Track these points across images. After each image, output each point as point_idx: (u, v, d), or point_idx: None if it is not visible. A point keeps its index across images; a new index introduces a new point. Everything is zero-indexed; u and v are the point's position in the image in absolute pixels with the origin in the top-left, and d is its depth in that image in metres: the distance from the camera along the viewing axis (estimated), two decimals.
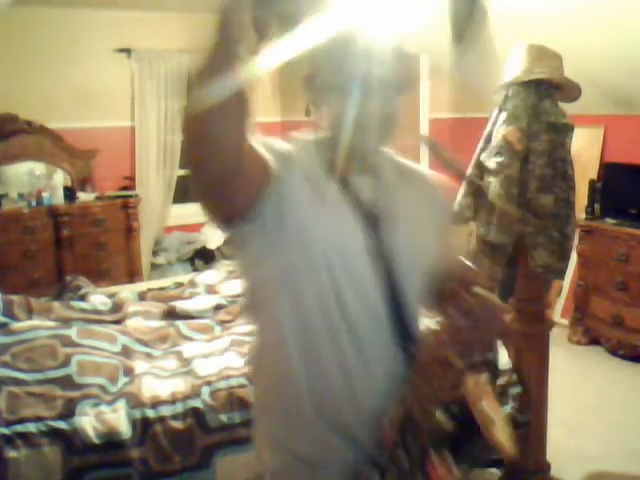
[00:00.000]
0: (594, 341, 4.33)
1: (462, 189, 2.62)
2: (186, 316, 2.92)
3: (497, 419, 1.20)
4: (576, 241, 4.02)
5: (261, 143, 1.09)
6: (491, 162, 2.45)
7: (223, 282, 3.32)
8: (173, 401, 2.14)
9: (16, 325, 2.58)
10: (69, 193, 4.58)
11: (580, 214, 4.20)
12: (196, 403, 2.14)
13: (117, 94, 4.88)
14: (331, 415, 1.15)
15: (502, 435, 1.20)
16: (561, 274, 2.50)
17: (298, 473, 1.18)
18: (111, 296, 3.13)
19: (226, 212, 1.08)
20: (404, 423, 1.11)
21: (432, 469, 1.10)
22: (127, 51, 4.86)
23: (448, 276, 1.27)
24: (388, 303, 1.16)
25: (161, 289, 3.42)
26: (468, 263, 1.34)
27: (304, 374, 1.13)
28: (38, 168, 4.61)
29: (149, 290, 3.37)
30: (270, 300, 1.15)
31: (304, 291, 1.12)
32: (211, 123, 0.94)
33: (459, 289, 1.19)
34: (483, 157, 2.51)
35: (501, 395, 2.55)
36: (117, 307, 2.97)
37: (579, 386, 3.71)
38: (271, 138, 1.17)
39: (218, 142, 0.95)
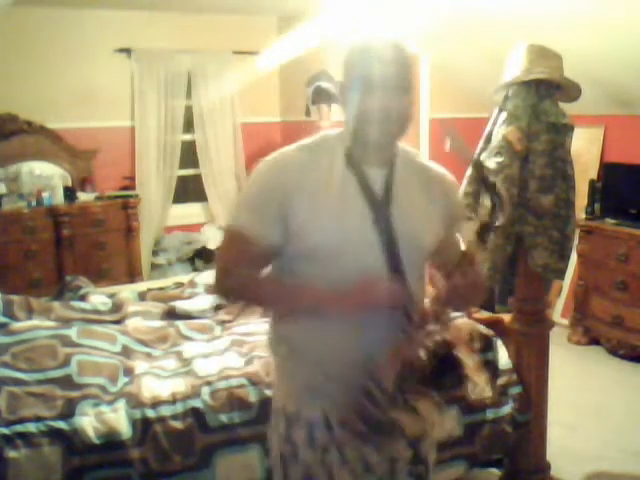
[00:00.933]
0: (594, 341, 4.33)
1: (463, 188, 2.62)
2: (186, 316, 2.92)
3: (471, 363, 1.52)
4: (576, 241, 4.02)
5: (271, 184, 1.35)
6: (491, 162, 2.45)
7: None
8: (173, 401, 2.13)
9: (16, 325, 2.58)
10: (69, 193, 4.58)
11: (580, 214, 4.20)
12: (196, 403, 2.14)
13: (117, 94, 4.88)
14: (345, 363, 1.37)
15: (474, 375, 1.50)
16: (561, 274, 2.50)
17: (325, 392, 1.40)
18: (111, 296, 3.12)
19: None
20: (400, 362, 1.33)
21: (419, 399, 1.32)
22: (127, 51, 4.86)
23: (452, 263, 1.49)
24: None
25: (161, 289, 3.42)
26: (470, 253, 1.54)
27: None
28: (38, 168, 4.61)
29: (149, 290, 3.37)
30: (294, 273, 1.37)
31: (321, 267, 1.33)
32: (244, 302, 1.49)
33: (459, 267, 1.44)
34: (483, 157, 2.51)
35: (501, 395, 2.55)
36: (117, 307, 2.96)
37: (579, 386, 3.71)
38: (285, 154, 1.38)
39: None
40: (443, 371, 1.39)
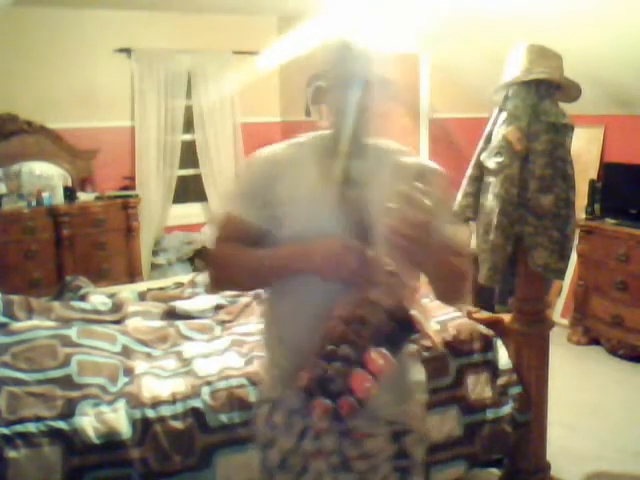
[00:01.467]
0: (594, 341, 4.33)
1: (463, 188, 2.63)
2: (186, 316, 2.92)
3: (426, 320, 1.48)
4: (576, 241, 4.02)
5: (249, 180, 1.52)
6: (491, 162, 2.45)
7: None
8: (173, 401, 2.13)
9: (16, 325, 2.58)
10: (69, 193, 4.58)
11: (580, 214, 4.20)
12: (196, 403, 2.14)
13: (117, 94, 4.88)
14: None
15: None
16: (561, 274, 2.50)
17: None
18: (111, 296, 3.12)
19: None
20: (351, 321, 1.34)
21: (372, 360, 1.32)
22: (127, 51, 4.86)
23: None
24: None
25: (161, 289, 3.42)
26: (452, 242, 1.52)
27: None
28: (38, 168, 4.61)
29: (149, 290, 3.37)
30: None
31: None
32: (234, 282, 1.55)
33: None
34: (483, 157, 2.51)
35: (501, 395, 2.55)
36: (117, 307, 2.96)
37: (579, 386, 3.71)
38: (262, 154, 1.52)
39: (237, 286, 1.62)
40: (400, 332, 1.40)
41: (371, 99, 1.44)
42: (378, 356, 1.36)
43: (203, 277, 3.48)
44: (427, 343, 2.49)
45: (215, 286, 1.66)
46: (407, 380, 1.55)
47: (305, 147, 1.53)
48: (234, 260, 1.49)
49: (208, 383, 2.22)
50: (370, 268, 1.36)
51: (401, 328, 1.39)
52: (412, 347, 1.63)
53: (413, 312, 1.40)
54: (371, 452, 1.47)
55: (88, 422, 2.02)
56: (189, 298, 3.14)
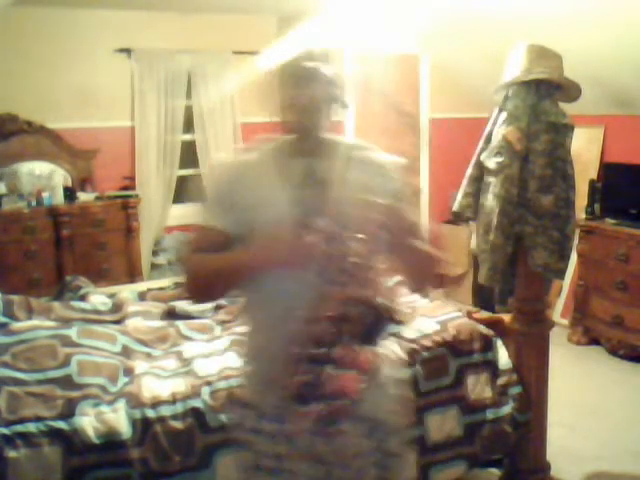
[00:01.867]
0: (594, 341, 4.34)
1: (463, 188, 2.63)
2: (186, 316, 2.92)
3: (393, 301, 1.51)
4: (576, 241, 4.02)
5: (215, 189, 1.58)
6: (491, 162, 2.45)
7: None
8: (173, 401, 2.13)
9: (16, 325, 2.58)
10: (69, 193, 4.57)
11: (580, 214, 4.20)
12: (196, 403, 2.14)
13: (117, 94, 4.87)
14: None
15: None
16: (561, 274, 2.50)
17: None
18: (111, 296, 3.12)
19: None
20: (336, 320, 1.37)
21: (363, 359, 1.36)
22: (127, 51, 4.85)
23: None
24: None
25: (161, 289, 3.42)
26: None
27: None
28: (38, 168, 4.61)
29: (149, 290, 3.37)
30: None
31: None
32: (208, 287, 1.53)
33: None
34: (483, 157, 2.51)
35: (501, 395, 2.55)
36: (117, 307, 2.96)
37: (579, 386, 3.71)
38: (226, 163, 1.64)
39: (209, 292, 1.57)
40: (379, 323, 1.44)
41: (324, 96, 1.47)
42: (367, 354, 1.40)
43: None
44: (427, 343, 2.49)
45: (190, 296, 1.66)
46: (381, 375, 1.56)
47: (268, 150, 1.56)
48: (202, 267, 1.52)
49: (208, 383, 2.22)
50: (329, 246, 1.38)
51: (380, 319, 1.43)
52: (393, 346, 1.74)
53: (381, 299, 1.45)
54: (343, 448, 1.49)
55: (88, 422, 2.02)
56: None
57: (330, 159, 1.52)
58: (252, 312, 1.59)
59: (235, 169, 1.57)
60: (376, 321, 1.44)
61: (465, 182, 2.62)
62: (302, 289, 1.43)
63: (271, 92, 1.54)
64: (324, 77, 1.49)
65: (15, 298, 2.85)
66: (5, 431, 1.94)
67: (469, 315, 2.74)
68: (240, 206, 1.48)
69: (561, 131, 2.35)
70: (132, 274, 4.71)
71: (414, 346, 2.46)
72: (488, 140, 2.51)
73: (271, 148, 1.57)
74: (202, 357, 2.43)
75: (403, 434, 1.60)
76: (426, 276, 1.58)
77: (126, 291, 3.30)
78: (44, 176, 4.61)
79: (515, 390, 2.57)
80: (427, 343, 2.49)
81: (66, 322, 2.70)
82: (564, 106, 2.41)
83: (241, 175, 1.53)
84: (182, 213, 5.34)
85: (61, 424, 2.00)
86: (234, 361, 2.37)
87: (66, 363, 2.26)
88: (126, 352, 2.50)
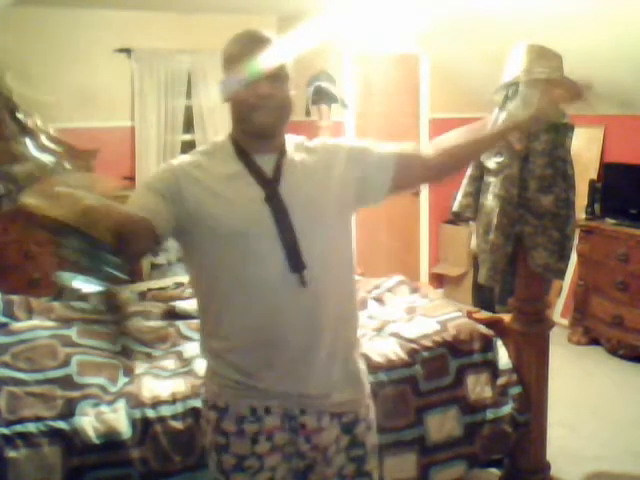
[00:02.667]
0: (594, 341, 4.33)
1: (463, 188, 2.63)
2: (186, 316, 2.91)
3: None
4: (576, 241, 4.02)
5: (149, 186, 1.51)
6: (491, 162, 2.45)
7: None
8: (173, 401, 2.13)
9: (16, 325, 2.58)
10: None
11: (580, 214, 4.20)
12: (196, 403, 2.14)
13: (117, 94, 4.88)
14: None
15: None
16: (561, 274, 2.50)
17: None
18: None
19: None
20: None
21: None
22: (127, 51, 4.85)
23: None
24: (285, 252, 1.44)
25: (161, 289, 3.42)
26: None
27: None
28: None
29: (149, 290, 3.37)
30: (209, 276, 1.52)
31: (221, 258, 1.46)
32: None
33: None
34: (483, 157, 2.50)
35: (501, 395, 2.55)
36: (117, 307, 2.96)
37: (579, 386, 3.71)
38: (167, 165, 1.55)
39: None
40: None
41: (274, 91, 1.45)
42: None
43: None
44: (427, 343, 2.49)
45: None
46: (352, 370, 1.59)
47: (213, 153, 1.53)
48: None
49: None
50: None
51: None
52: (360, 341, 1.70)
53: None
54: (322, 444, 1.52)
55: (88, 422, 2.02)
56: (189, 298, 3.14)
57: (289, 155, 1.53)
58: (215, 315, 1.54)
59: (181, 167, 1.51)
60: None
61: (465, 182, 2.62)
62: (273, 291, 1.45)
63: (224, 91, 1.51)
64: (290, 73, 1.49)
65: (15, 298, 2.85)
66: (5, 431, 1.94)
67: (469, 315, 2.74)
68: (187, 201, 1.44)
69: (561, 131, 2.35)
70: (132, 274, 4.71)
71: (414, 346, 2.46)
72: None
73: (224, 148, 1.54)
74: (202, 357, 2.43)
75: (372, 426, 1.62)
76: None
77: (126, 291, 3.29)
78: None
79: (515, 390, 2.57)
80: (427, 343, 2.49)
81: (66, 322, 2.70)
82: (564, 106, 2.41)
83: (189, 172, 1.48)
84: None
85: (61, 424, 2.00)
86: None
87: (66, 363, 2.26)
88: (126, 352, 2.50)
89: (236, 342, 1.50)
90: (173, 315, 2.94)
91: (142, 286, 3.60)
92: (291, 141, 1.57)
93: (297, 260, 1.44)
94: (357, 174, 1.57)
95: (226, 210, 1.45)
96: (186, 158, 1.54)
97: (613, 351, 4.17)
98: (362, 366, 1.63)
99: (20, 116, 3.95)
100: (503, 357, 2.60)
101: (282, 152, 1.52)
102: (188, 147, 5.27)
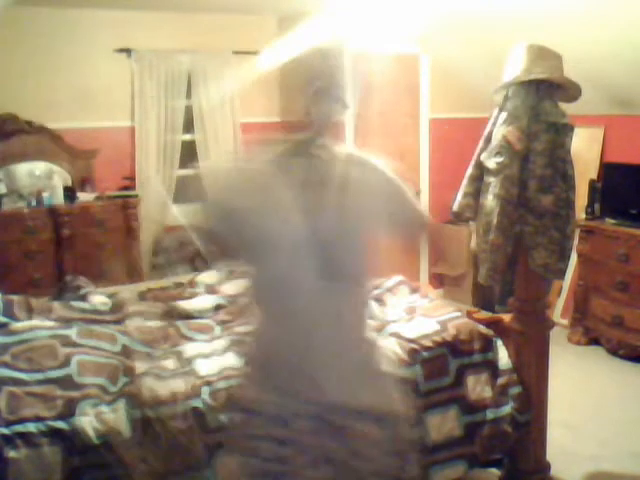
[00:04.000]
0: (594, 341, 4.34)
1: (463, 188, 2.63)
2: (186, 316, 2.92)
3: None
4: (576, 241, 4.02)
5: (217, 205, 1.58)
6: (491, 162, 2.45)
7: (223, 282, 3.32)
8: (173, 401, 2.13)
9: (16, 325, 2.58)
10: (69, 193, 4.57)
11: (580, 214, 4.20)
12: (196, 403, 2.14)
13: (117, 94, 4.87)
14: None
15: None
16: (561, 274, 2.50)
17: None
18: (111, 296, 3.12)
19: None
20: None
21: None
22: (127, 51, 4.85)
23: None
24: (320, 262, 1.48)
25: (161, 289, 3.42)
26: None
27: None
28: (38, 168, 4.61)
29: (149, 290, 3.37)
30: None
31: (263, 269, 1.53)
32: None
33: None
34: (483, 157, 2.51)
35: (501, 395, 2.55)
36: (117, 307, 2.96)
37: (579, 386, 3.71)
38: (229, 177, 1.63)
39: None
40: None
41: (345, 106, 1.59)
42: None
43: (203, 277, 3.48)
44: (427, 343, 2.49)
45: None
46: (375, 368, 1.62)
47: (270, 155, 1.58)
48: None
49: (208, 383, 2.22)
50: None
51: None
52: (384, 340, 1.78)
53: None
54: (358, 446, 1.53)
55: (88, 422, 2.02)
56: (189, 298, 3.14)
57: (329, 161, 1.58)
58: (267, 311, 1.59)
59: (238, 175, 1.59)
60: None
61: (465, 182, 2.62)
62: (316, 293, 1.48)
63: (294, 91, 1.60)
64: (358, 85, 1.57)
65: (15, 298, 2.85)
66: (5, 431, 1.94)
67: (469, 315, 2.74)
68: (240, 212, 1.50)
69: (561, 131, 2.35)
70: (132, 274, 4.71)
71: (414, 346, 2.46)
72: (488, 140, 2.51)
73: (273, 152, 1.59)
74: (202, 357, 2.43)
75: (407, 419, 1.64)
76: (417, 233, 1.76)
77: (126, 291, 3.30)
78: (44, 176, 4.61)
79: (515, 390, 2.57)
80: (427, 343, 2.49)
81: (66, 322, 2.70)
82: (564, 106, 2.41)
83: (245, 181, 1.55)
84: (182, 213, 5.34)
85: (61, 424, 2.00)
86: (234, 361, 2.37)
87: (66, 363, 2.26)
88: (126, 352, 2.50)
89: (270, 348, 1.55)
90: (173, 315, 2.94)
91: (142, 286, 3.59)
92: (338, 149, 1.65)
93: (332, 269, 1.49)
94: (390, 209, 1.64)
95: (261, 220, 1.51)
96: (242, 162, 1.70)
97: (613, 351, 4.17)
98: (385, 365, 1.67)
99: None
100: (503, 357, 2.60)
101: (321, 158, 1.61)
102: (188, 147, 5.27)
